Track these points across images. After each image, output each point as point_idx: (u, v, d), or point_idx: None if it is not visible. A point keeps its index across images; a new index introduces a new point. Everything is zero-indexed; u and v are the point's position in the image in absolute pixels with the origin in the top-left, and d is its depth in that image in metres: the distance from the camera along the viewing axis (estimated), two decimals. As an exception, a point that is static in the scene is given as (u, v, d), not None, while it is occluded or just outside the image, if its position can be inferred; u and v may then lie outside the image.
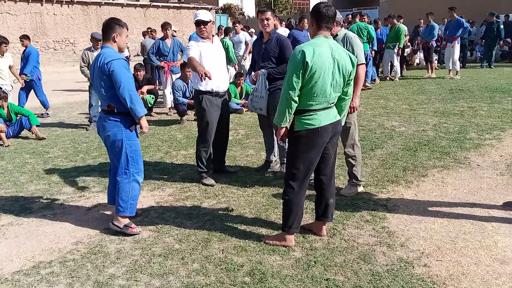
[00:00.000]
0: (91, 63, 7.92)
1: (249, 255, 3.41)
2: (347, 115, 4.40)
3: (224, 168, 5.38)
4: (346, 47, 4.22)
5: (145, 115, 3.86)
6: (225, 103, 5.10)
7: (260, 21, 4.95)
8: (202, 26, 4.87)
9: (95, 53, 8.13)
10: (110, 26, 3.79)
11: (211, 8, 30.41)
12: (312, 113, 3.31)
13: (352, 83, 3.50)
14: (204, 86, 4.88)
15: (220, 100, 5.00)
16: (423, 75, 13.56)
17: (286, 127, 3.38)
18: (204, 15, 4.91)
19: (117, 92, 3.67)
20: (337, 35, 4.34)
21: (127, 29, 3.92)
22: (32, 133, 7.64)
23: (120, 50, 3.87)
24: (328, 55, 3.24)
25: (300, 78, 3.20)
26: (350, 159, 4.55)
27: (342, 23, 4.47)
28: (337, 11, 4.22)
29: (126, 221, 3.90)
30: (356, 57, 3.72)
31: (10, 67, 8.74)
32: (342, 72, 3.32)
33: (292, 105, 3.25)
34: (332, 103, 3.40)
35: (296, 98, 3.23)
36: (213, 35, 5.05)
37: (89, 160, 6.18)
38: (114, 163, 3.98)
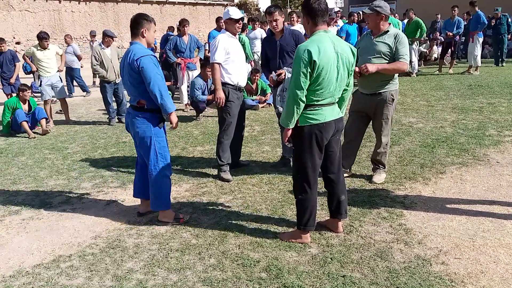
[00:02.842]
0: (103, 61, 8.08)
1: (265, 251, 3.42)
2: (388, 106, 4.55)
3: (239, 162, 5.45)
4: (393, 43, 4.36)
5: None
6: (242, 98, 5.24)
7: (269, 22, 5.04)
8: (240, 22, 5.05)
9: (106, 50, 8.19)
10: (138, 22, 3.79)
11: (227, 4, 30.44)
12: (317, 108, 3.28)
13: (353, 73, 3.48)
14: (230, 79, 4.98)
15: (240, 94, 5.14)
16: (436, 71, 13.37)
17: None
18: (239, 12, 5.12)
19: (147, 88, 3.70)
20: (387, 31, 4.42)
21: (155, 24, 3.92)
22: (40, 125, 7.90)
23: (149, 45, 3.89)
24: (332, 49, 3.21)
25: (308, 77, 3.16)
26: (384, 149, 4.75)
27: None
28: (386, 4, 4.40)
29: (172, 214, 4.01)
30: (401, 54, 4.33)
31: (61, 56, 8.97)
32: (346, 65, 3.31)
33: (300, 106, 3.22)
34: (336, 99, 3.37)
35: (304, 98, 3.20)
36: None
37: (107, 156, 6.25)
38: (142, 158, 4.04)
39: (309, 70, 3.14)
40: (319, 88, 3.22)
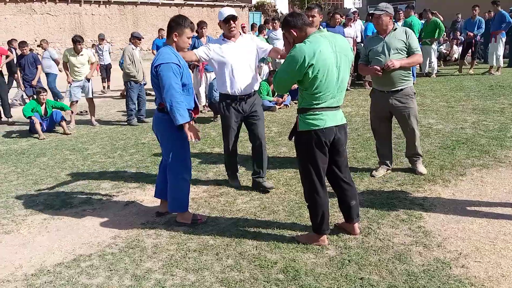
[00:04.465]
0: (135, 61, 8.36)
1: (283, 252, 3.42)
2: (413, 100, 4.76)
3: (259, 185, 4.74)
4: (406, 38, 4.58)
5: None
6: (251, 108, 4.61)
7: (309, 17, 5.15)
8: (232, 22, 4.47)
9: (135, 51, 8.52)
10: (170, 25, 3.77)
11: (245, 6, 30.52)
12: (317, 112, 3.25)
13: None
14: (224, 88, 4.57)
15: (243, 104, 4.57)
16: (456, 71, 13.17)
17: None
18: (231, 10, 4.53)
19: (162, 95, 3.71)
20: (395, 28, 4.64)
21: (192, 29, 3.83)
22: (58, 125, 8.13)
23: (180, 50, 3.84)
24: (330, 50, 3.17)
25: (294, 81, 3.23)
26: (418, 141, 4.91)
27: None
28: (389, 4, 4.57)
29: (190, 215, 4.04)
30: (415, 47, 4.59)
31: (92, 63, 9.01)
32: (347, 62, 3.30)
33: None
34: (338, 101, 3.33)
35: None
36: (240, 33, 4.66)
37: (126, 157, 6.33)
38: (164, 158, 4.09)
39: (296, 75, 3.17)
40: (318, 92, 3.20)
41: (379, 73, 4.54)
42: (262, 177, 4.73)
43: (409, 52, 4.59)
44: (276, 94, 9.42)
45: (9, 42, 12.57)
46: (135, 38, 8.60)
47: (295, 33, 3.29)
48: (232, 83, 4.49)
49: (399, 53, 4.57)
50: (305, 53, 3.09)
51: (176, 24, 3.75)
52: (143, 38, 8.86)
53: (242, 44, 4.57)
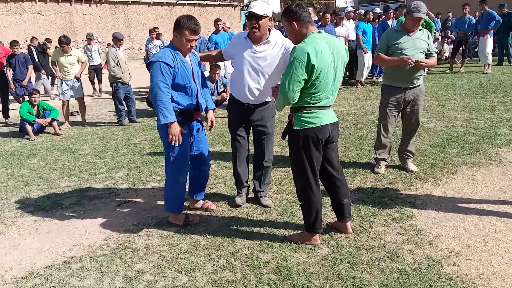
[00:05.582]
0: (119, 62, 8.29)
1: (275, 252, 3.42)
2: (424, 96, 5.01)
3: (257, 199, 4.41)
4: (428, 40, 4.76)
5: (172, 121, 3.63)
6: (258, 120, 4.16)
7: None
8: (253, 21, 3.81)
9: (119, 51, 8.48)
10: (174, 25, 3.70)
11: (237, 5, 30.45)
12: (313, 110, 3.25)
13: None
14: (231, 89, 4.28)
15: (248, 112, 4.12)
16: (447, 70, 13.25)
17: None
18: (258, 7, 3.80)
19: None
20: (421, 29, 4.77)
21: (193, 31, 3.62)
22: (50, 126, 8.09)
23: (185, 51, 3.74)
24: (328, 51, 3.18)
25: (303, 82, 3.14)
26: (415, 134, 5.12)
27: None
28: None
29: (183, 216, 4.04)
30: (432, 50, 4.80)
31: (82, 63, 8.85)
32: (342, 64, 3.31)
33: (290, 103, 3.24)
34: (332, 100, 3.33)
35: (296, 99, 3.19)
36: (270, 32, 3.96)
37: (118, 157, 6.29)
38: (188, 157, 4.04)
39: (304, 75, 3.10)
40: (316, 92, 3.20)
41: (411, 64, 4.57)
42: (261, 191, 4.40)
43: (427, 54, 4.76)
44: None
45: (31, 40, 13.40)
46: (116, 39, 8.51)
47: (296, 27, 3.25)
48: (239, 88, 4.07)
49: (422, 53, 4.71)
50: (309, 52, 3.07)
51: (177, 24, 3.67)
52: (123, 38, 8.79)
53: (263, 53, 3.93)
